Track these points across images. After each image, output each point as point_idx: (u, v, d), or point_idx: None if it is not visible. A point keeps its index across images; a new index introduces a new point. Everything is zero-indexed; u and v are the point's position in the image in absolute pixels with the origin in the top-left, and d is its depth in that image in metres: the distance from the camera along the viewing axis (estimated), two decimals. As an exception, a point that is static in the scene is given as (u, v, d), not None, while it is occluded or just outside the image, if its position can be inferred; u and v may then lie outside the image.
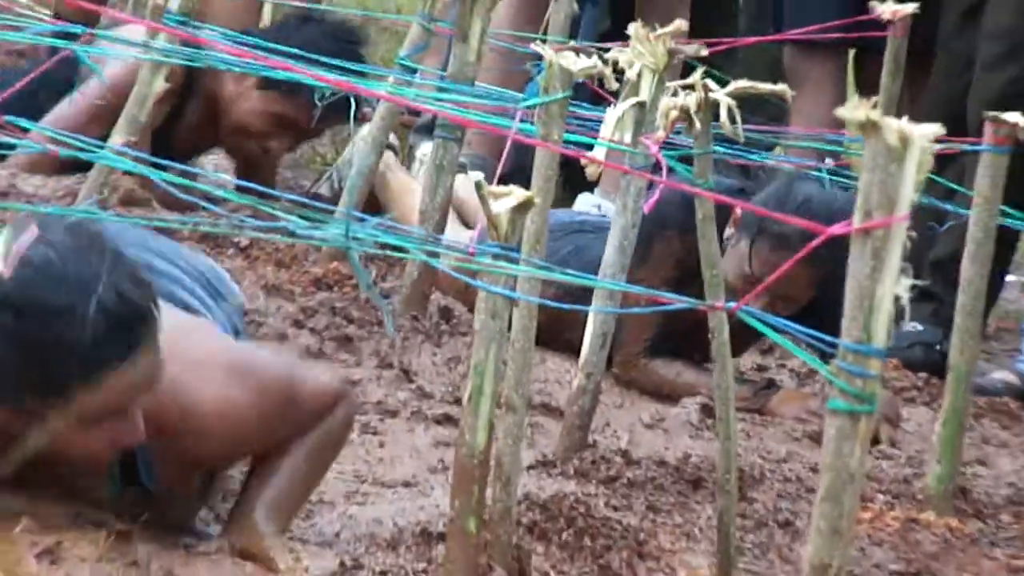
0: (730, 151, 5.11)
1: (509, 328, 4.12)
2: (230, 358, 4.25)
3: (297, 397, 4.25)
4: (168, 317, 4.01)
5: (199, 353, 4.16)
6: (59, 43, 6.00)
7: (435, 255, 4.83)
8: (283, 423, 4.22)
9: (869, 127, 3.02)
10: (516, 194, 3.62)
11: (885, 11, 6.26)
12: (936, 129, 3.10)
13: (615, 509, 4.66)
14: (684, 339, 4.98)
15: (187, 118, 7.62)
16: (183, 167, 4.49)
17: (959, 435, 5.21)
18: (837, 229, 3.27)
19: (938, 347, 6.20)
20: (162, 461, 4.05)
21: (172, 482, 4.07)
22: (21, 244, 3.90)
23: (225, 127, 7.68)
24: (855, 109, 3.08)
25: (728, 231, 5.87)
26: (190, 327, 4.32)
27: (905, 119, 3.16)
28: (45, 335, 3.82)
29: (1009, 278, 7.07)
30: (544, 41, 5.99)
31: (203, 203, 4.07)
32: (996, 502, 5.34)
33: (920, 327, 6.83)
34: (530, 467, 4.47)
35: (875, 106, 3.20)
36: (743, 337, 5.22)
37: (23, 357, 3.82)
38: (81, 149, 4.66)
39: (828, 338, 3.21)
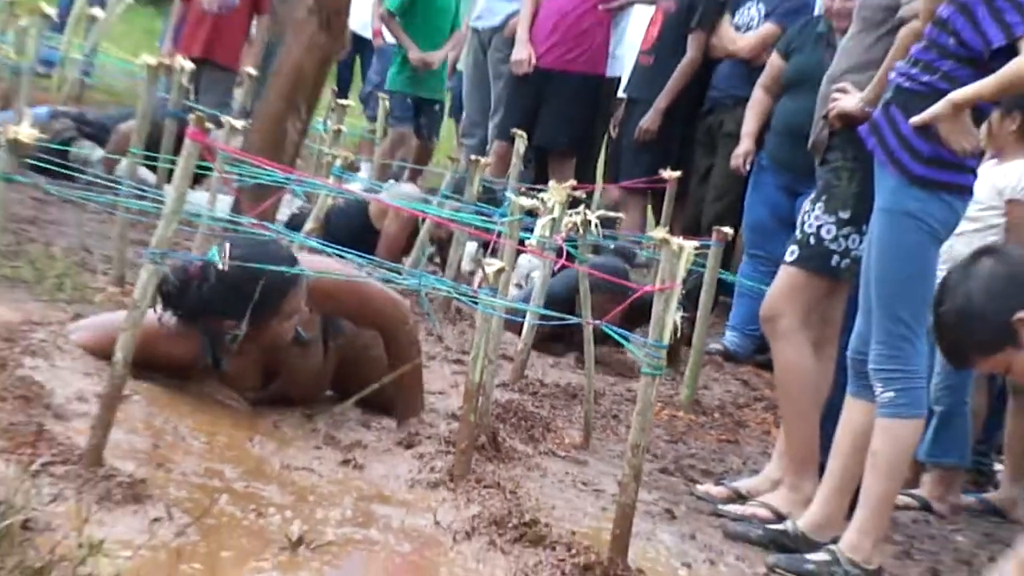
0: (596, 240, 5.04)
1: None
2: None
3: (389, 297, 3.98)
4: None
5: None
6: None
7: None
8: (377, 308, 3.93)
9: (663, 242, 3.20)
10: (497, 263, 3.59)
11: (666, 174, 6.15)
12: (694, 244, 3.17)
13: (536, 407, 4.55)
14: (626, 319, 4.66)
15: None
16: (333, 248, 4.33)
17: (696, 374, 5.19)
18: (648, 289, 3.38)
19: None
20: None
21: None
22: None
23: None
24: (658, 231, 3.26)
25: None
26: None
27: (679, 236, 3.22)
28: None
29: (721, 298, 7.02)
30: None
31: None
32: (712, 407, 5.32)
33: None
34: (497, 386, 4.22)
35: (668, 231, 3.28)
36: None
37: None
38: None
39: (642, 339, 3.23)
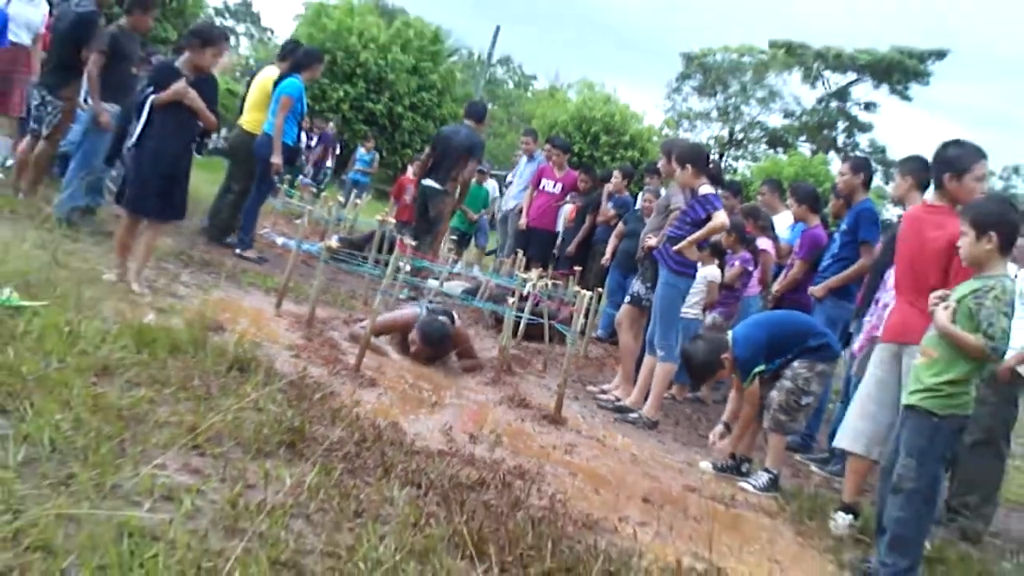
0: (549, 291, 4.89)
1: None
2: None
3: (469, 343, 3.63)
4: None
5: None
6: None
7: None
8: (469, 344, 3.57)
9: (577, 292, 2.96)
10: (512, 299, 3.49)
11: (576, 269, 5.91)
12: (588, 294, 2.96)
13: (526, 356, 4.28)
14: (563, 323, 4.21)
15: None
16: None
17: (587, 344, 4.84)
18: (570, 309, 3.16)
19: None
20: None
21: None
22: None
23: None
24: (575, 289, 2.96)
25: None
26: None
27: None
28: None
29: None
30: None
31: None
32: (593, 357, 5.02)
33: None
34: (512, 348, 4.04)
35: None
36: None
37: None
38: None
39: (569, 328, 3.09)
